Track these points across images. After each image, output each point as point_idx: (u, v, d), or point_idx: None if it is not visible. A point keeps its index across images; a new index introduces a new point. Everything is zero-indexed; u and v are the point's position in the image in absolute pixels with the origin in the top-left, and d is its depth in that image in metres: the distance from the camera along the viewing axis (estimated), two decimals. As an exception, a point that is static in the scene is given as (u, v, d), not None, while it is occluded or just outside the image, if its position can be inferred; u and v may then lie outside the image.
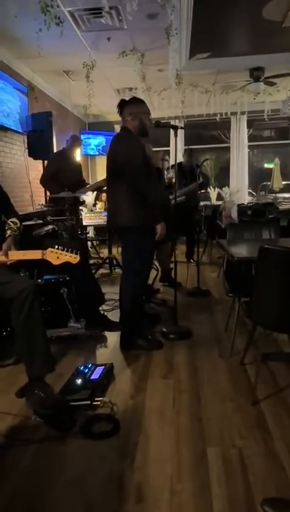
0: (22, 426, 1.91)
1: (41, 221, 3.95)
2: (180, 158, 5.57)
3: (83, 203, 5.64)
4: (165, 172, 4.51)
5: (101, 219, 5.41)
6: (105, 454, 1.69)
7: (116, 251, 5.39)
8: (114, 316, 3.18)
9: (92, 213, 5.85)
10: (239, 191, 8.34)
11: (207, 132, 9.00)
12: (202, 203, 6.49)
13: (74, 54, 4.78)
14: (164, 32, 4.07)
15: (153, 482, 1.53)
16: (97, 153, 8.22)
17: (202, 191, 5.71)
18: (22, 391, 2.15)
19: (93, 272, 4.66)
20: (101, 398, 2.08)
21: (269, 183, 8.21)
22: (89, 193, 6.44)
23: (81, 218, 5.39)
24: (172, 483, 1.52)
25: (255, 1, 3.63)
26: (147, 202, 2.55)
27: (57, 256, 2.19)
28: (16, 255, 2.22)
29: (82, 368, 2.37)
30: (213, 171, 8.90)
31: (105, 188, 3.26)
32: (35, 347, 2.05)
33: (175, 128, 2.92)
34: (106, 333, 3.07)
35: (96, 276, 4.73)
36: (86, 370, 2.33)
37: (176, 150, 3.40)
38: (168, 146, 7.93)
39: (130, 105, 2.66)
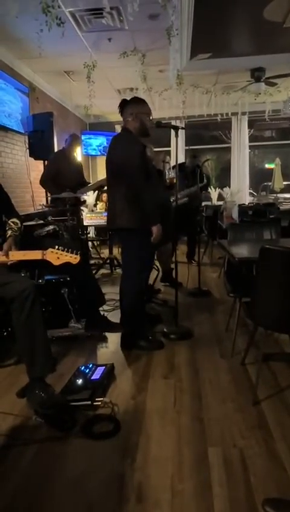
0: (22, 426, 1.91)
1: (42, 222, 3.95)
2: (181, 158, 5.56)
3: (84, 203, 5.64)
4: (167, 173, 4.50)
5: (102, 219, 5.40)
6: (106, 455, 1.69)
7: (117, 251, 5.38)
8: (115, 316, 3.18)
9: (93, 213, 5.86)
10: (240, 191, 8.35)
11: (208, 132, 9.01)
12: (203, 204, 6.48)
13: (74, 55, 4.79)
14: (165, 32, 4.08)
15: (153, 482, 1.53)
16: (99, 153, 8.20)
17: (203, 191, 5.70)
18: (22, 391, 2.15)
19: (94, 272, 4.67)
20: (101, 398, 2.08)
21: (270, 183, 8.23)
22: (90, 193, 6.45)
23: (82, 219, 5.39)
24: (173, 483, 1.52)
25: (256, 2, 3.63)
26: (143, 203, 2.53)
27: (57, 256, 2.19)
28: (17, 256, 2.22)
29: (83, 368, 2.37)
30: (214, 172, 8.90)
31: (106, 187, 3.26)
32: (36, 347, 2.05)
33: (176, 128, 2.91)
34: (107, 333, 3.06)
35: (97, 276, 4.74)
36: (87, 370, 2.34)
37: (177, 150, 3.40)
38: (169, 146, 7.93)
39: (131, 105, 2.64)
